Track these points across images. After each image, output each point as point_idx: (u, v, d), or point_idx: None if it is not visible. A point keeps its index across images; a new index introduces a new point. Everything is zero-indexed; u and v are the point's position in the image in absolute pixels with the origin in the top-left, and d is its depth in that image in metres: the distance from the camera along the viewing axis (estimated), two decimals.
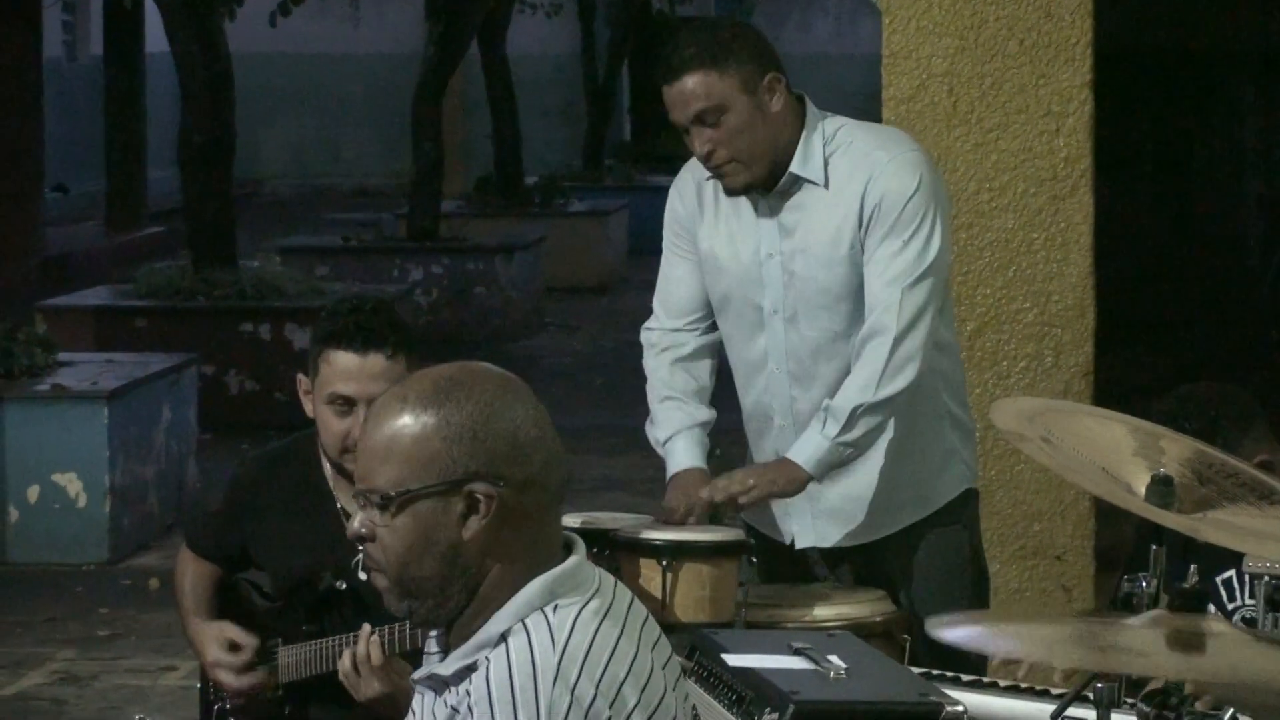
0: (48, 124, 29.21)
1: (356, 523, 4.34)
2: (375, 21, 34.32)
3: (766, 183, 6.93)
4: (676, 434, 7.06)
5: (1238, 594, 6.31)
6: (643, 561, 6.01)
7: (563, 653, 4.21)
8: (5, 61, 34.95)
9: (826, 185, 6.87)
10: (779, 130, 6.85)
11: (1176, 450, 4.70)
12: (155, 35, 31.60)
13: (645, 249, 7.17)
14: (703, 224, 7.07)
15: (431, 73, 29.53)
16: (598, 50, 40.26)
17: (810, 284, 6.86)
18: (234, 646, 6.66)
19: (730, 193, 6.96)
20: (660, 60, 7.21)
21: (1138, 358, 8.84)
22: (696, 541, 6.25)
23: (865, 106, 7.58)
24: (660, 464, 7.10)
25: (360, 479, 4.38)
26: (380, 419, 4.40)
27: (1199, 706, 4.62)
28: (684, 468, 6.99)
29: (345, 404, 6.50)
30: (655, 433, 7.16)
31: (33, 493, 15.54)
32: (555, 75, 42.00)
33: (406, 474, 4.29)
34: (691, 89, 6.89)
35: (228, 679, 6.64)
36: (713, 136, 6.82)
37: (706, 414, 7.15)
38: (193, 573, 6.95)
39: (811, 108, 7.00)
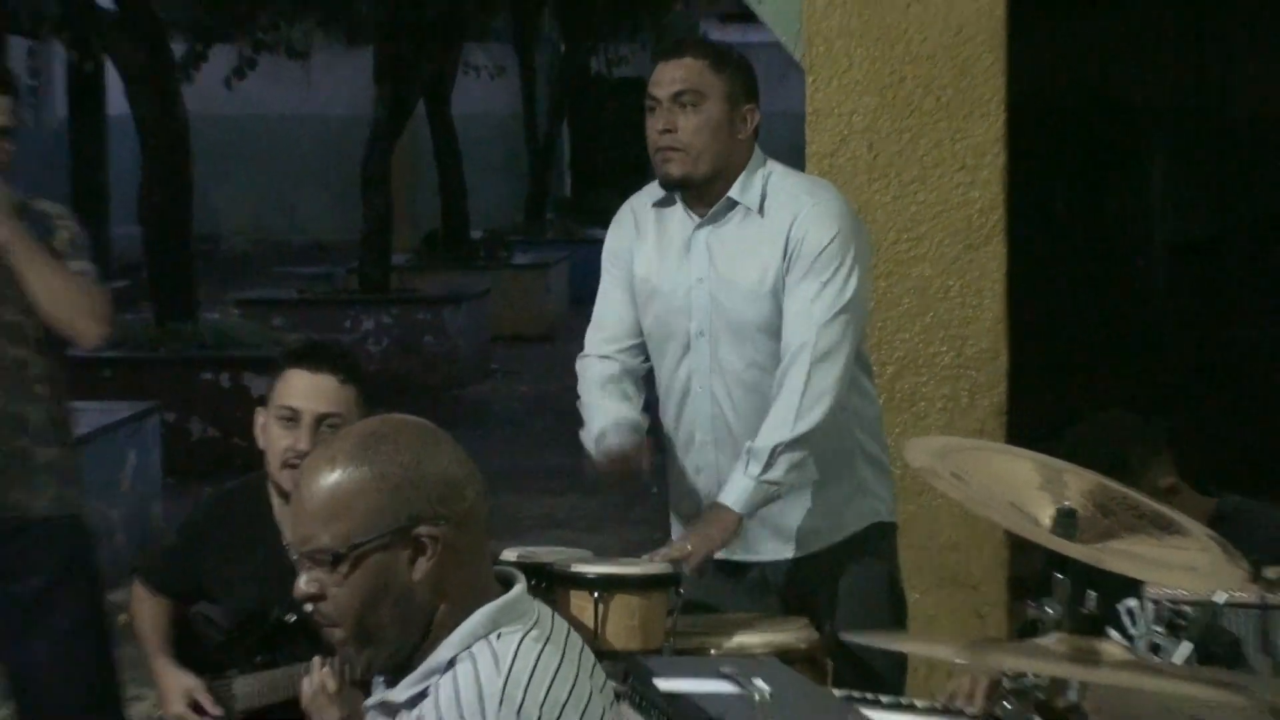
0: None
1: (303, 584, 4.34)
2: (327, 84, 34.05)
3: (699, 195, 7.03)
4: (609, 429, 7.06)
5: (1139, 620, 6.39)
6: (575, 593, 6.05)
7: (507, 677, 4.29)
8: None
9: (761, 212, 6.97)
10: (733, 152, 6.93)
11: (1080, 484, 4.78)
12: (116, 98, 31.40)
13: (585, 299, 7.21)
14: (639, 250, 7.13)
15: (380, 133, 29.39)
16: (539, 110, 40.06)
17: (733, 313, 6.92)
18: (194, 705, 6.68)
19: (664, 179, 7.02)
20: (667, 37, 7.39)
21: (1051, 398, 8.87)
22: (626, 575, 6.30)
23: (790, 160, 7.60)
24: (599, 501, 7.18)
25: (301, 542, 4.36)
26: (313, 479, 4.39)
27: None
28: (610, 442, 7.02)
29: (292, 416, 6.54)
30: (588, 433, 7.15)
31: None
32: (498, 134, 41.72)
33: (352, 528, 4.31)
34: (687, 68, 6.97)
35: (177, 713, 6.67)
36: (680, 119, 6.90)
37: (635, 414, 7.15)
38: (149, 609, 6.93)
39: (758, 151, 7.07)
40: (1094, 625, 4.71)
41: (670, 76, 7.00)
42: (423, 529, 4.30)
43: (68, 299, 7.59)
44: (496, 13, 33.02)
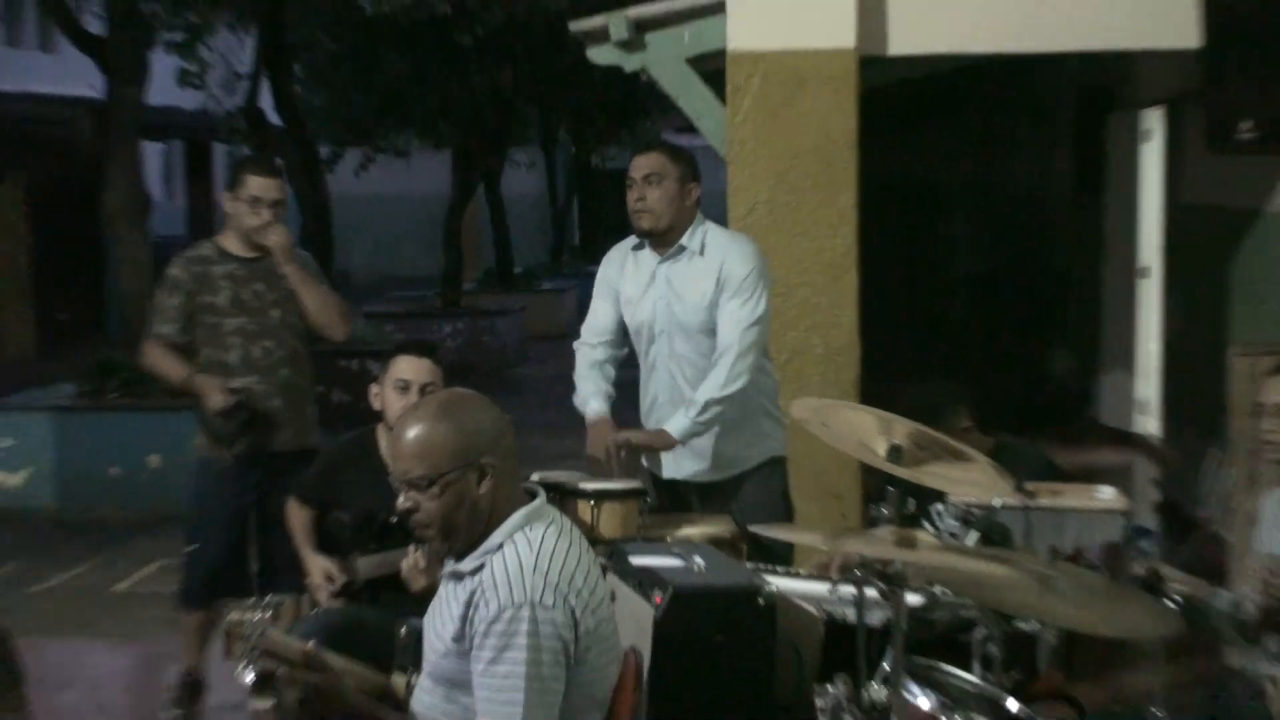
0: None
1: (402, 500, 4.48)
2: (421, 174, 33.79)
3: (660, 241, 7.01)
4: (591, 395, 7.13)
5: (944, 518, 6.37)
6: (579, 502, 6.08)
7: (536, 554, 4.36)
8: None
9: (702, 254, 6.93)
10: (683, 213, 6.91)
11: (904, 429, 4.79)
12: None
13: (587, 311, 7.15)
14: (623, 280, 7.10)
15: (455, 205, 29.24)
16: (558, 190, 40.02)
17: (683, 320, 6.90)
18: (330, 577, 6.65)
19: (638, 231, 7.04)
20: (641, 141, 7.41)
21: (887, 375, 8.84)
22: (612, 489, 6.30)
23: (718, 220, 7.62)
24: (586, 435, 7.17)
25: (402, 473, 4.46)
26: (411, 430, 4.49)
27: (911, 582, 4.65)
28: (597, 415, 7.06)
29: (405, 385, 6.61)
30: (579, 396, 7.21)
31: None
32: (532, 206, 41.57)
33: (440, 463, 4.42)
34: (652, 159, 6.98)
35: (321, 596, 6.63)
36: (648, 191, 6.90)
37: (609, 387, 7.21)
38: (299, 517, 6.92)
39: (699, 214, 7.00)
40: (914, 521, 4.69)
41: (642, 164, 6.98)
42: (485, 460, 4.43)
43: (328, 309, 7.82)
44: (529, 127, 32.86)
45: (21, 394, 16.22)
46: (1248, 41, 8.42)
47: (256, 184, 7.72)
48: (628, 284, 7.14)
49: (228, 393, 7.53)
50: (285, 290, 7.73)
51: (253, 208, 7.65)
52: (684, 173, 6.98)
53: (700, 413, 6.78)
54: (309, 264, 7.97)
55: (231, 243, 7.75)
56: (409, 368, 6.69)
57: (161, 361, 7.73)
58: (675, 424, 6.83)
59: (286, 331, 7.78)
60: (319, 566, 6.77)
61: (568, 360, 7.36)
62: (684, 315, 6.96)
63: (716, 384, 6.79)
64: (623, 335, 7.27)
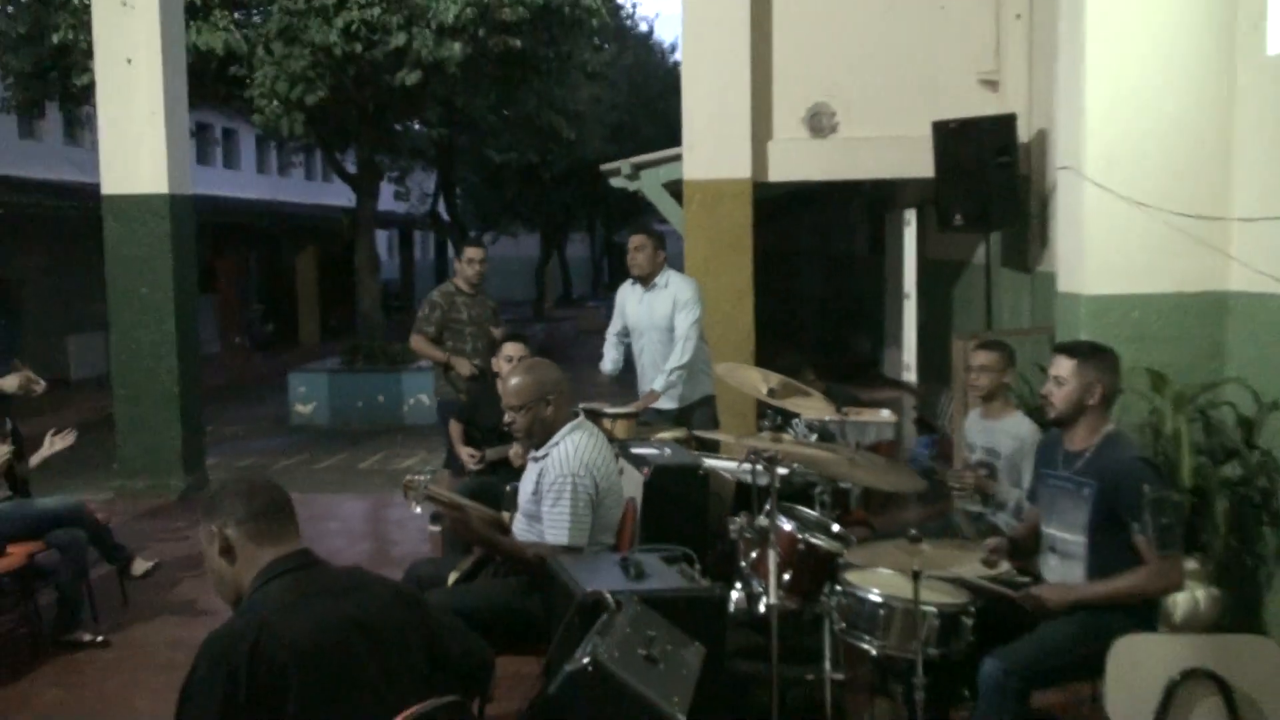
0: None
1: (508, 417, 4.40)
2: (524, 244, 33.72)
3: (644, 282, 6.88)
4: (607, 361, 7.14)
5: (799, 427, 6.28)
6: (602, 420, 5.99)
7: (578, 447, 4.28)
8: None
9: (666, 287, 6.82)
10: (656, 267, 6.78)
11: (776, 378, 4.68)
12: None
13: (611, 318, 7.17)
14: (628, 302, 6.99)
15: (541, 261, 29.19)
16: (596, 254, 39.99)
17: (656, 325, 6.81)
18: (471, 457, 6.60)
19: (632, 275, 6.95)
20: (633, 228, 7.37)
21: (768, 351, 8.79)
22: (622, 411, 6.21)
23: (678, 268, 7.56)
24: (614, 389, 7.10)
25: (506, 403, 4.38)
26: (510, 380, 4.41)
27: (781, 462, 4.58)
28: (607, 373, 7.13)
29: (509, 358, 6.43)
30: (604, 364, 7.15)
31: None
32: (582, 263, 41.53)
33: (525, 397, 4.31)
34: (638, 239, 6.90)
35: (468, 468, 6.64)
36: (636, 256, 6.81)
37: (619, 356, 7.13)
38: (455, 427, 6.86)
39: (666, 266, 6.88)
40: (782, 429, 4.59)
41: (633, 241, 6.90)
42: (550, 395, 4.32)
43: None
44: (581, 220, 32.74)
45: (312, 363, 16.29)
46: (957, 173, 8.34)
47: (469, 252, 7.91)
48: (629, 304, 7.04)
49: (474, 366, 7.60)
50: (486, 312, 7.81)
51: (469, 264, 7.82)
52: (655, 246, 6.87)
53: (668, 376, 6.69)
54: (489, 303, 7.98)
55: (461, 284, 7.82)
56: (510, 348, 6.57)
57: (425, 347, 7.80)
58: (656, 383, 6.73)
59: (486, 337, 7.71)
60: (466, 453, 6.70)
61: (599, 345, 7.28)
62: (656, 322, 6.85)
63: (674, 359, 6.70)
64: (627, 331, 7.17)
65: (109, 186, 9.07)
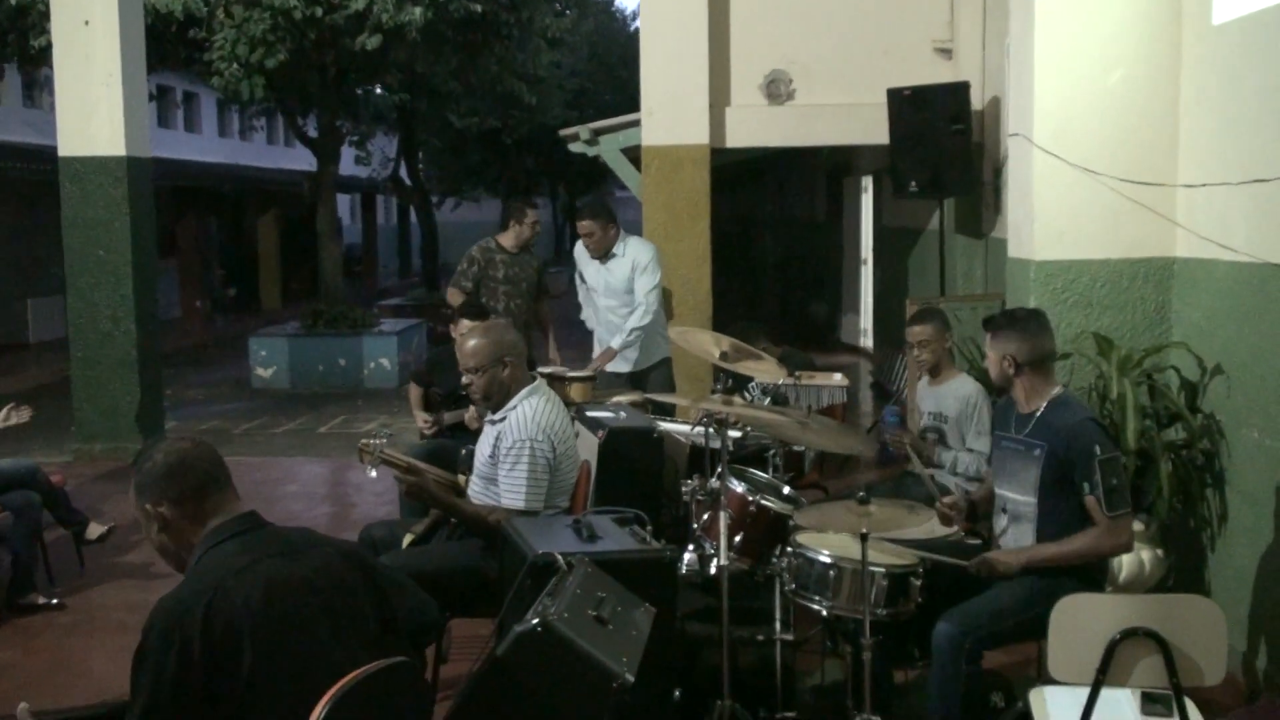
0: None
1: (465, 379, 4.34)
2: (486, 209, 33.39)
3: (602, 252, 6.82)
4: (589, 310, 7.13)
5: (754, 390, 6.28)
6: (557, 384, 5.92)
7: (535, 411, 4.24)
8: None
9: (624, 255, 6.78)
10: (610, 241, 6.75)
11: (727, 342, 4.63)
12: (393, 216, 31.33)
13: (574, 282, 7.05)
14: (587, 268, 6.96)
15: (502, 226, 29.01)
16: (557, 219, 39.83)
17: (613, 288, 6.80)
18: (427, 422, 6.53)
19: (590, 253, 6.89)
20: (582, 209, 7.25)
21: (724, 316, 8.78)
22: (578, 375, 6.18)
23: (635, 232, 7.55)
24: (577, 354, 7.06)
25: (463, 365, 4.33)
26: (466, 343, 4.37)
27: (734, 424, 4.57)
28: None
29: (461, 336, 6.33)
30: (584, 312, 7.17)
31: None
32: (544, 229, 41.39)
33: (481, 361, 4.26)
34: (586, 224, 6.84)
35: (424, 433, 6.58)
36: (591, 237, 6.78)
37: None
38: (415, 391, 6.79)
39: (622, 232, 6.88)
40: (735, 391, 4.57)
41: (582, 227, 6.91)
42: (507, 358, 4.27)
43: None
44: (542, 185, 32.53)
45: (272, 326, 16.14)
46: (911, 140, 8.35)
47: (531, 214, 7.62)
48: (587, 269, 7.00)
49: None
50: (528, 274, 7.53)
51: (530, 226, 7.56)
52: (604, 223, 6.83)
53: (627, 336, 6.68)
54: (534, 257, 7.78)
55: (508, 241, 7.54)
56: (465, 325, 6.36)
57: (457, 299, 7.40)
58: (615, 341, 6.73)
59: (524, 297, 7.49)
60: (420, 419, 6.64)
61: (563, 306, 7.24)
62: (614, 286, 6.83)
63: (634, 320, 6.71)
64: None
65: (66, 149, 8.91)
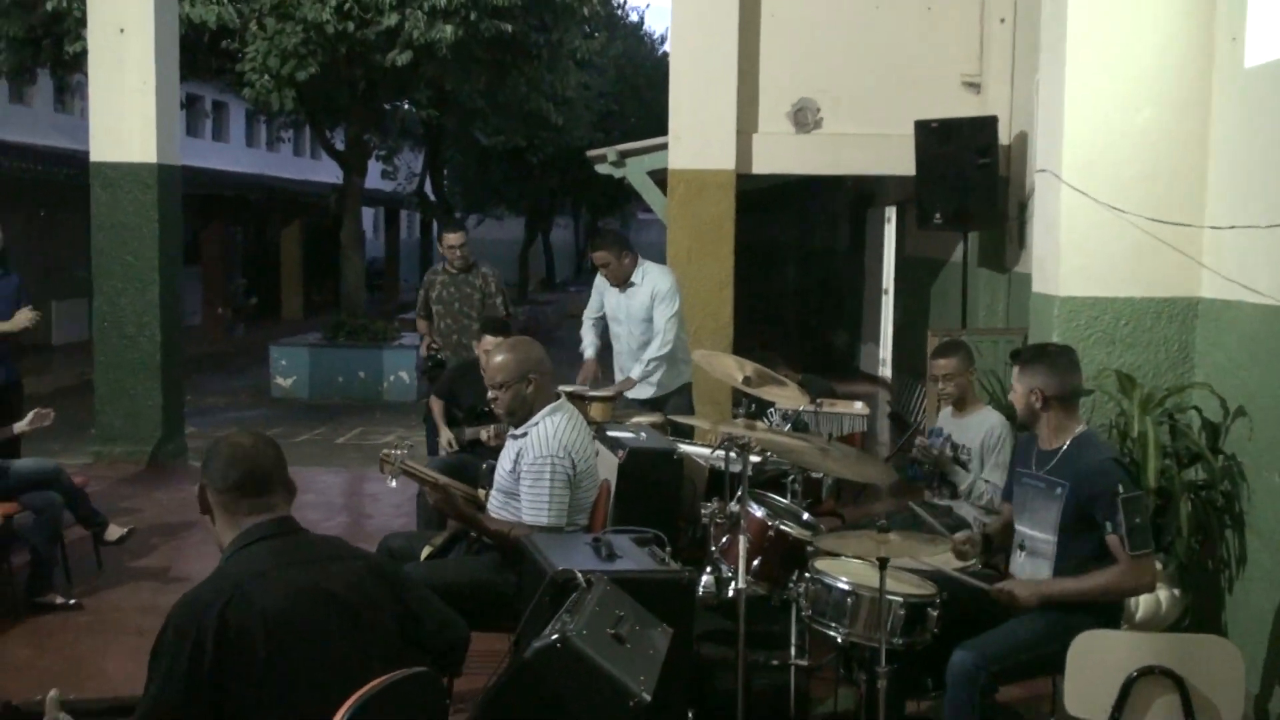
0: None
1: (490, 394, 4.37)
2: (509, 227, 33.57)
3: (619, 285, 6.82)
4: (588, 345, 7.08)
5: (775, 416, 6.28)
6: (581, 403, 5.94)
7: (557, 428, 4.25)
8: None
9: (641, 283, 6.79)
10: (630, 269, 6.74)
11: (751, 367, 4.65)
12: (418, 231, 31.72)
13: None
14: (607, 295, 6.96)
15: (525, 245, 29.13)
16: (580, 239, 39.85)
17: (633, 315, 6.79)
18: (450, 441, 6.58)
19: (609, 281, 6.87)
20: (595, 238, 7.26)
21: (747, 342, 8.77)
22: (600, 394, 6.20)
23: (660, 258, 7.56)
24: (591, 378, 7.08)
25: (489, 380, 4.36)
26: (494, 358, 4.39)
27: (755, 449, 4.58)
28: (588, 357, 7.05)
29: (485, 351, 6.31)
30: (583, 346, 7.11)
31: None
32: (567, 247, 41.41)
33: (508, 376, 4.28)
34: (602, 254, 6.81)
35: (444, 448, 6.61)
36: (607, 267, 6.76)
37: (598, 340, 7.11)
38: (436, 405, 6.82)
39: (640, 259, 6.90)
40: (757, 416, 4.59)
41: (597, 258, 6.90)
42: (532, 375, 4.29)
43: None
44: (566, 206, 32.66)
45: (294, 337, 16.18)
46: (937, 172, 8.36)
47: (447, 239, 7.89)
48: (607, 296, 7.01)
49: (429, 347, 7.82)
50: (465, 294, 7.76)
51: (448, 250, 7.83)
52: (619, 252, 6.82)
53: (645, 365, 6.70)
54: (488, 277, 7.95)
55: (447, 265, 7.86)
56: (488, 341, 6.40)
57: (423, 327, 7.95)
58: (633, 371, 6.74)
59: (458, 316, 7.71)
60: (445, 432, 6.67)
61: (579, 329, 7.24)
62: (634, 313, 6.82)
63: (654, 349, 6.71)
64: (603, 314, 7.14)
65: (98, 154, 9.00)
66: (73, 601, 5.87)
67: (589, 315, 7.20)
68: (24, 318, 6.53)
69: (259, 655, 2.45)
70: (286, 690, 2.48)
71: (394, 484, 4.62)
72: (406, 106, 19.37)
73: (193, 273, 21.09)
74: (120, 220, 8.99)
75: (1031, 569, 4.01)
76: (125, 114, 8.91)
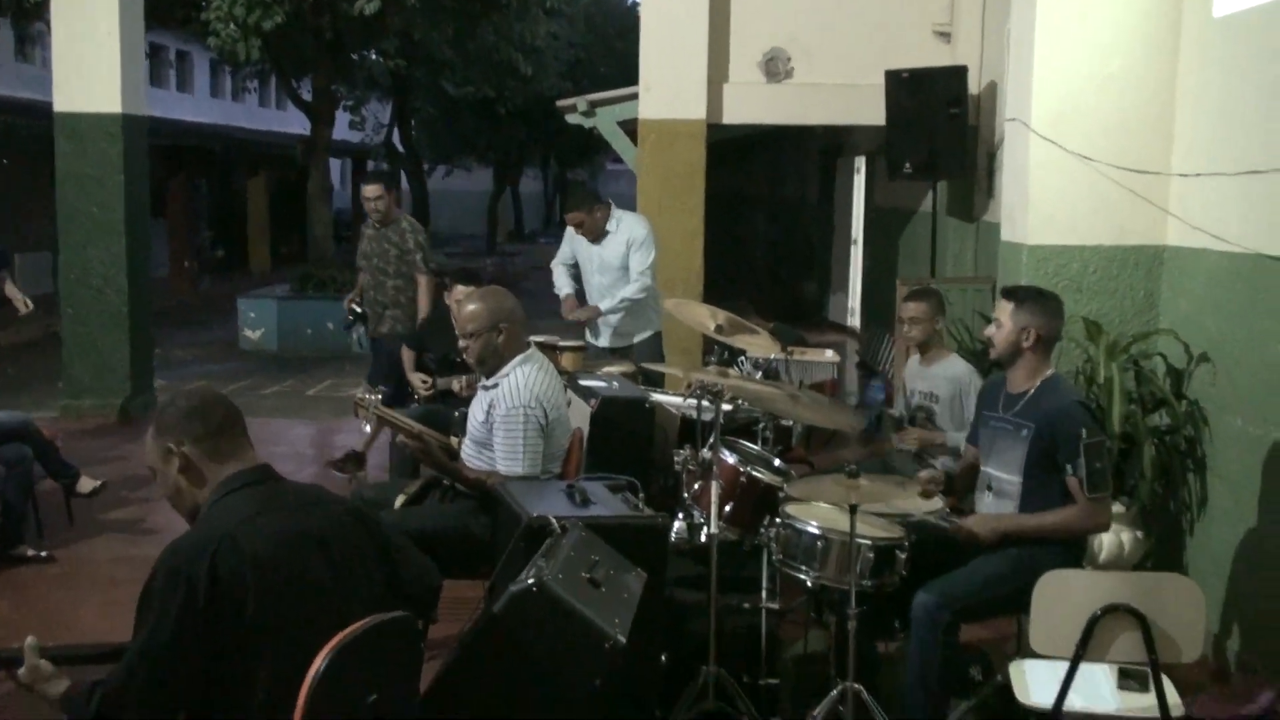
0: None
1: (462, 344, 4.37)
2: (477, 178, 33.39)
3: (596, 234, 6.78)
4: (563, 285, 7.03)
5: (746, 364, 6.32)
6: (552, 352, 5.97)
7: (528, 378, 4.27)
8: None
9: (616, 232, 6.78)
10: (603, 221, 6.72)
11: (723, 315, 4.68)
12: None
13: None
14: (578, 244, 6.94)
15: (494, 196, 28.97)
16: (549, 190, 39.67)
17: (607, 264, 6.78)
18: (423, 383, 6.61)
19: (587, 239, 6.81)
20: (566, 200, 7.24)
21: (715, 292, 8.81)
22: (570, 345, 6.24)
23: (631, 207, 7.56)
24: (566, 324, 7.08)
25: (460, 330, 4.38)
26: (464, 308, 4.40)
27: (726, 397, 4.61)
28: (567, 294, 6.97)
29: (457, 300, 6.29)
30: (557, 287, 7.07)
31: None
32: (535, 198, 41.22)
33: (478, 326, 4.28)
34: (574, 214, 6.76)
35: (418, 396, 6.62)
36: (582, 226, 6.73)
37: (572, 281, 7.05)
38: (408, 354, 6.81)
39: (613, 206, 6.88)
40: (729, 364, 4.62)
41: (571, 220, 6.83)
42: (503, 325, 4.30)
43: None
44: (535, 156, 32.49)
45: (262, 289, 16.14)
46: (907, 122, 8.38)
47: (363, 190, 7.65)
48: (579, 247, 6.97)
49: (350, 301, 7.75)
50: (382, 249, 7.50)
51: (364, 202, 7.56)
52: (592, 207, 6.76)
53: (617, 302, 6.71)
54: (406, 231, 7.58)
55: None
56: (460, 291, 6.29)
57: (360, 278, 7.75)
58: (603, 303, 6.77)
59: (376, 271, 7.53)
60: (418, 379, 6.68)
61: (549, 278, 7.21)
62: (609, 262, 6.80)
63: (629, 292, 6.71)
64: (574, 260, 7.11)
65: (62, 104, 8.88)
66: (44, 554, 5.88)
67: (559, 261, 7.18)
68: (17, 300, 6.40)
69: (249, 601, 2.47)
70: (275, 634, 2.51)
71: (368, 428, 4.64)
72: (374, 57, 19.18)
73: (158, 226, 20.87)
74: (85, 172, 8.90)
75: (997, 510, 4.07)
76: (89, 63, 8.79)
